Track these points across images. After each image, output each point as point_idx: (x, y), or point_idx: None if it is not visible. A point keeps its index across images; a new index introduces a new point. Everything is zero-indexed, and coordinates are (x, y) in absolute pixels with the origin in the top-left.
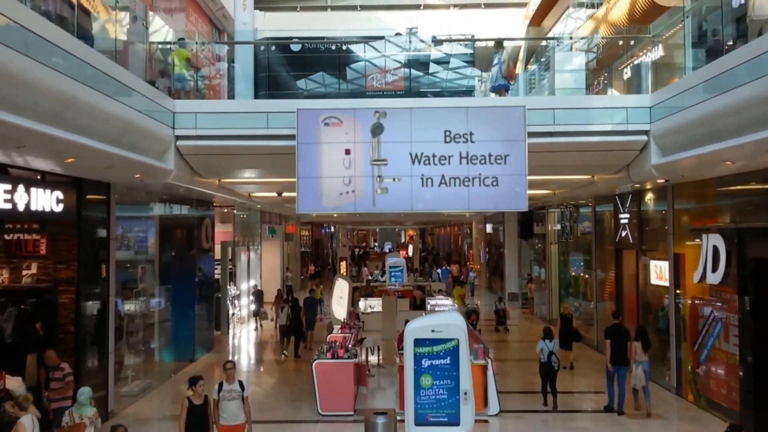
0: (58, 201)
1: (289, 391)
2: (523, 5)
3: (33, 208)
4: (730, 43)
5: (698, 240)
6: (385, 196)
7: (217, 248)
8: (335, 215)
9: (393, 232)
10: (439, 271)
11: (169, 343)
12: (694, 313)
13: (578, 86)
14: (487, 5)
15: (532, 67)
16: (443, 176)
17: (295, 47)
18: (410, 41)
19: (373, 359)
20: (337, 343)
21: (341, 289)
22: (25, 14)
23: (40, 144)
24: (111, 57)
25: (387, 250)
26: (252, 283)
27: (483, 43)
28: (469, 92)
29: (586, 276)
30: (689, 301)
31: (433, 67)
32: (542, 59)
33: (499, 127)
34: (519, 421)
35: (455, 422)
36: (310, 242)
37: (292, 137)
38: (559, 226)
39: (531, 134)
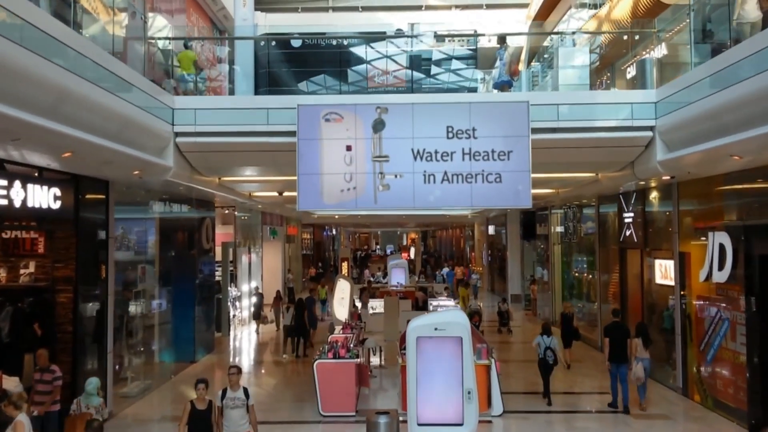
0: (56, 198)
1: (291, 392)
2: (525, 5)
3: (30, 204)
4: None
5: (704, 238)
6: (387, 193)
7: (218, 250)
8: (336, 217)
9: (395, 234)
10: (443, 272)
11: (169, 343)
12: (700, 312)
13: (582, 82)
14: (489, 6)
15: (535, 64)
16: (446, 173)
17: (296, 43)
18: (412, 32)
19: (375, 360)
20: (339, 343)
21: (343, 289)
22: (19, 3)
23: (36, 137)
24: (109, 52)
25: (389, 252)
26: (253, 284)
27: (485, 44)
28: (472, 92)
29: (590, 276)
30: (695, 301)
31: (434, 69)
32: (545, 56)
33: (502, 123)
34: (523, 421)
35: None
36: (311, 245)
37: (292, 134)
38: (562, 228)
39: (534, 130)
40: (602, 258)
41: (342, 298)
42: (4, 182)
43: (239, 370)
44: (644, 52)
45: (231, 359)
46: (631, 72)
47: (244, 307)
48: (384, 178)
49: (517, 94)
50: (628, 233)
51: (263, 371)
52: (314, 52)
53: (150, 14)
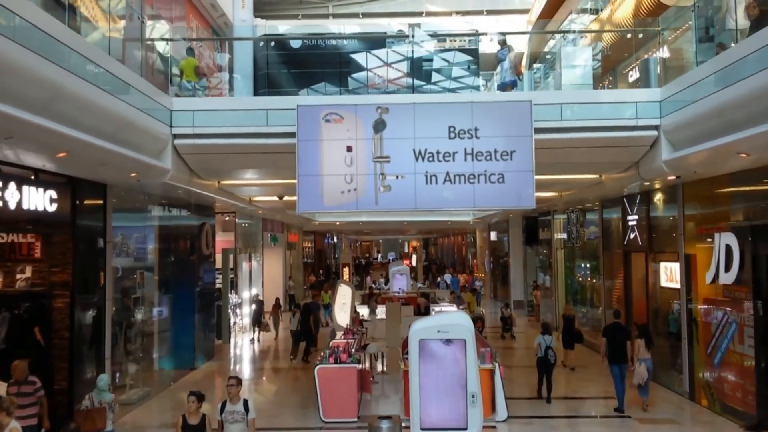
0: (52, 200)
1: (292, 398)
2: (526, 11)
3: (25, 206)
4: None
5: (710, 240)
6: (388, 194)
7: (219, 257)
8: (338, 224)
9: (396, 242)
10: (447, 279)
11: (168, 350)
12: (707, 315)
13: (585, 82)
14: (490, 12)
15: (537, 66)
16: (448, 173)
17: (295, 44)
18: (413, 33)
19: (377, 366)
20: (340, 348)
21: (344, 295)
22: None
23: (30, 136)
24: (106, 51)
25: (390, 259)
26: (254, 291)
27: (487, 51)
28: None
29: (594, 281)
30: (701, 303)
31: (435, 76)
32: (548, 56)
33: (504, 123)
34: (528, 426)
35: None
36: (313, 253)
37: (292, 135)
38: (566, 235)
39: (537, 130)
40: (606, 262)
41: (343, 304)
42: None
43: (239, 382)
44: (646, 56)
45: (231, 366)
46: (634, 75)
47: (245, 315)
48: (385, 179)
49: (520, 93)
50: (632, 236)
51: (264, 378)
52: (314, 57)
53: (150, 22)
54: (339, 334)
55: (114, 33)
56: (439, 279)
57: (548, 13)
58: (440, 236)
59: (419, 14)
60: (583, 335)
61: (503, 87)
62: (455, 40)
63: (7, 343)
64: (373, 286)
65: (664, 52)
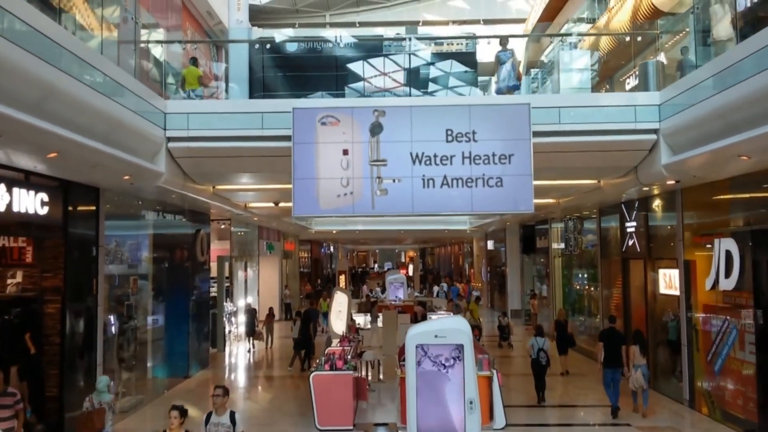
0: (43, 203)
1: (287, 406)
2: (523, 20)
3: (15, 209)
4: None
5: (709, 246)
6: (385, 198)
7: (213, 265)
8: (334, 232)
9: (393, 252)
10: (445, 288)
11: (162, 358)
12: (707, 321)
13: (583, 86)
14: (486, 21)
15: (535, 71)
16: (445, 177)
17: (291, 47)
18: (410, 39)
19: (373, 374)
20: (336, 355)
21: (340, 302)
22: None
23: (20, 135)
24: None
25: (387, 269)
26: (248, 300)
27: (484, 59)
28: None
29: (592, 289)
30: (701, 310)
31: (432, 86)
32: (546, 62)
33: (502, 126)
34: None
35: None
36: (309, 262)
37: (288, 138)
38: (563, 244)
39: (536, 134)
40: (604, 270)
41: (339, 311)
42: None
43: (225, 392)
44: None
45: (225, 375)
46: (631, 83)
47: (240, 323)
48: (382, 183)
49: (518, 97)
50: (630, 243)
51: (259, 386)
52: (310, 61)
53: (146, 31)
54: (335, 341)
55: (107, 32)
56: (436, 288)
57: (545, 21)
58: (437, 246)
59: (416, 23)
60: (576, 339)
61: (504, 90)
62: (452, 44)
63: None
64: (370, 294)
65: (662, 54)
